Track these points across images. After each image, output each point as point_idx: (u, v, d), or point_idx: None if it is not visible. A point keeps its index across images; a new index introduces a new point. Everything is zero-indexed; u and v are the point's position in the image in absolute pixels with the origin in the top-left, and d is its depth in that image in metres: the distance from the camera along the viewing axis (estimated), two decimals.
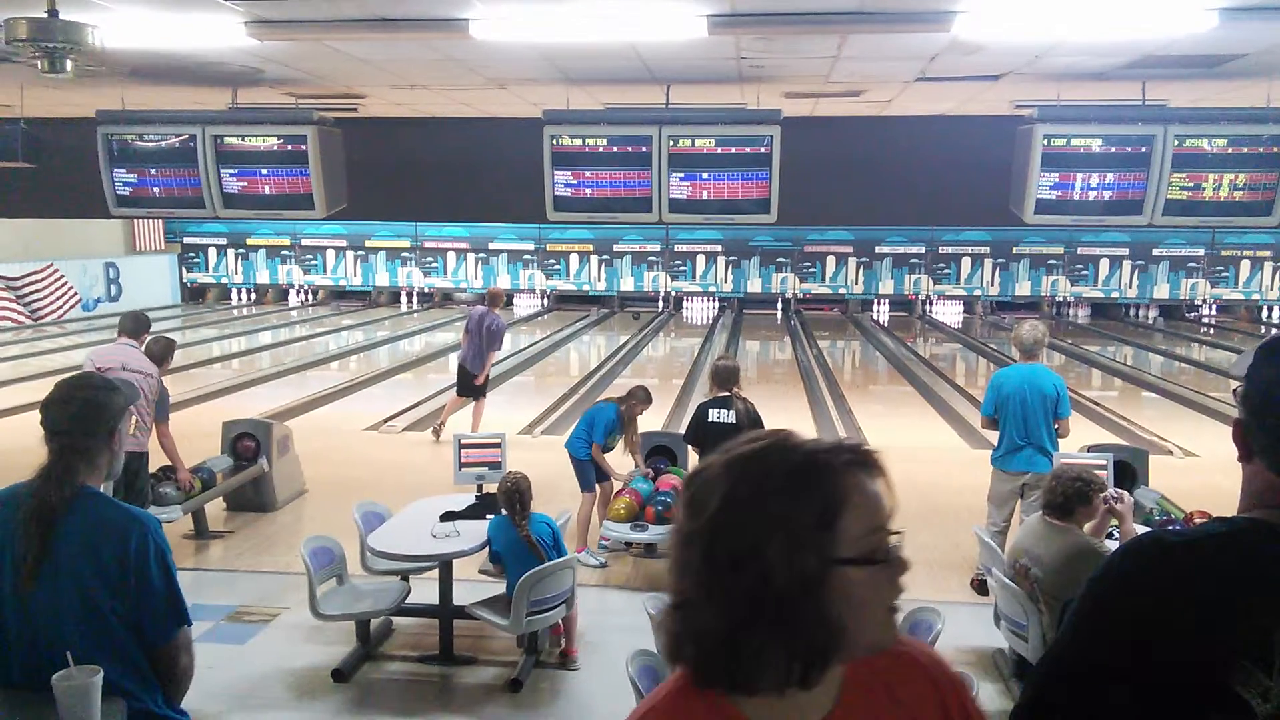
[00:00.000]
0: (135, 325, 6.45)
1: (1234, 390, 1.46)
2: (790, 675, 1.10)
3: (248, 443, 7.38)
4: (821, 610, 1.08)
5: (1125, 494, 4.63)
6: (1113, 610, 1.34)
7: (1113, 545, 4.47)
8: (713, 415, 5.84)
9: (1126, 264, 23.32)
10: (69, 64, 4.23)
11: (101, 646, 2.33)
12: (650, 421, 9.89)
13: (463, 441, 6.11)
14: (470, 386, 9.89)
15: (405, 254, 25.01)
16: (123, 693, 2.35)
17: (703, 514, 1.13)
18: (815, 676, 1.11)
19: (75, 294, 21.35)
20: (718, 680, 1.14)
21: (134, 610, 2.36)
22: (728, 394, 5.92)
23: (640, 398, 6.49)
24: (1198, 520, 5.79)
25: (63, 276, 20.99)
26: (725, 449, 1.19)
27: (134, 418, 2.89)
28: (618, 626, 5.30)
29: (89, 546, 2.34)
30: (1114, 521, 4.58)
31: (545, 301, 24.85)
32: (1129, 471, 6.50)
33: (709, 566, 1.11)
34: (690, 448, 6.38)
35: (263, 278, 25.54)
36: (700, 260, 24.34)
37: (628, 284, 24.51)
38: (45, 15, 4.10)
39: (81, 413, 2.45)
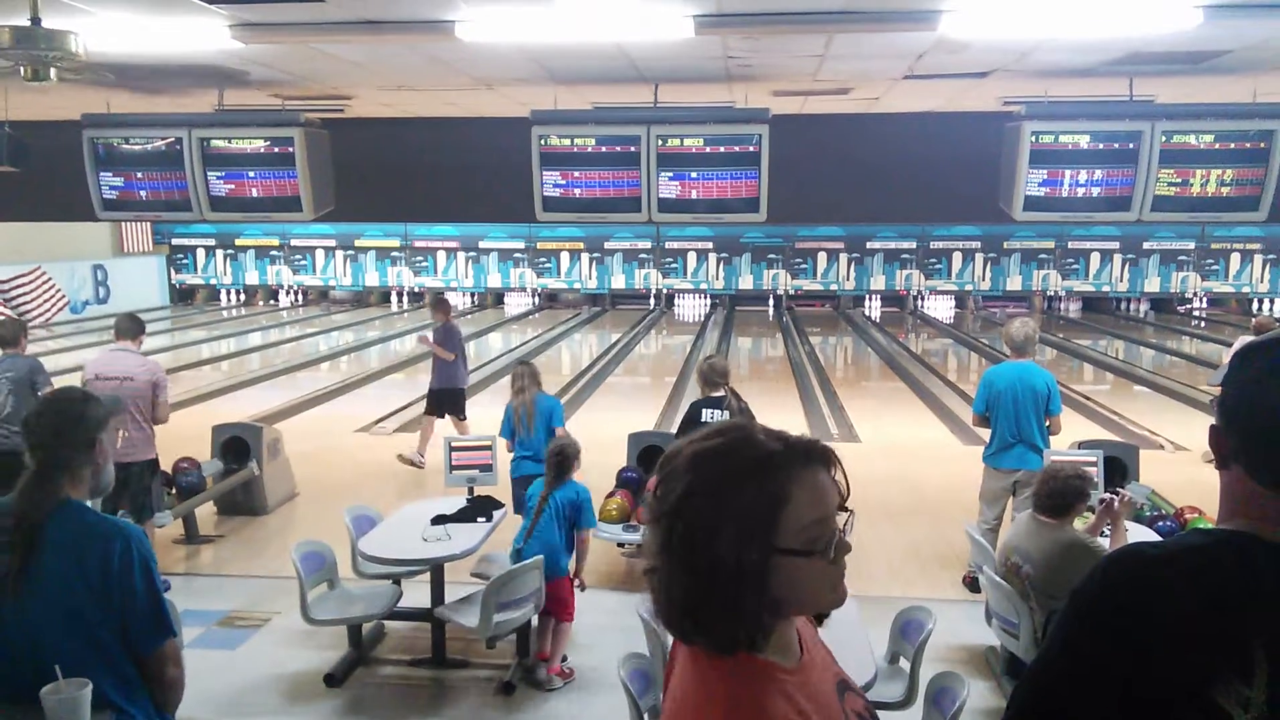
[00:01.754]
0: (132, 326, 6.39)
1: (1211, 401, 1.46)
2: (736, 640, 1.27)
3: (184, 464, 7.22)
4: (764, 591, 1.26)
5: (1124, 494, 4.64)
6: (1095, 625, 1.34)
7: (1105, 542, 4.48)
8: (705, 415, 5.77)
9: (1117, 258, 23.40)
10: (53, 72, 4.19)
11: (89, 658, 2.33)
12: (642, 420, 9.91)
13: (453, 444, 6.09)
14: (451, 403, 9.20)
15: (395, 253, 24.96)
16: (111, 705, 2.35)
17: (668, 499, 1.30)
18: (761, 643, 1.28)
19: (63, 296, 21.25)
20: (684, 635, 1.33)
21: (118, 621, 2.36)
22: (721, 394, 5.88)
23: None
24: (1188, 515, 5.83)
25: (50, 279, 20.88)
26: (695, 439, 1.35)
27: (120, 431, 2.89)
28: (610, 628, 5.30)
29: (74, 558, 2.35)
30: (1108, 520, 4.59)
31: (536, 300, 24.83)
32: (1120, 467, 6.52)
33: (670, 544, 1.29)
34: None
35: (252, 278, 25.46)
36: (691, 257, 24.34)
37: (619, 282, 24.50)
38: (28, 23, 4.07)
39: (58, 425, 2.47)
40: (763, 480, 1.26)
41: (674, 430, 7.60)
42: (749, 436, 1.32)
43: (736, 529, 1.24)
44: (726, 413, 5.74)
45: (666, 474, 1.33)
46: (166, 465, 6.93)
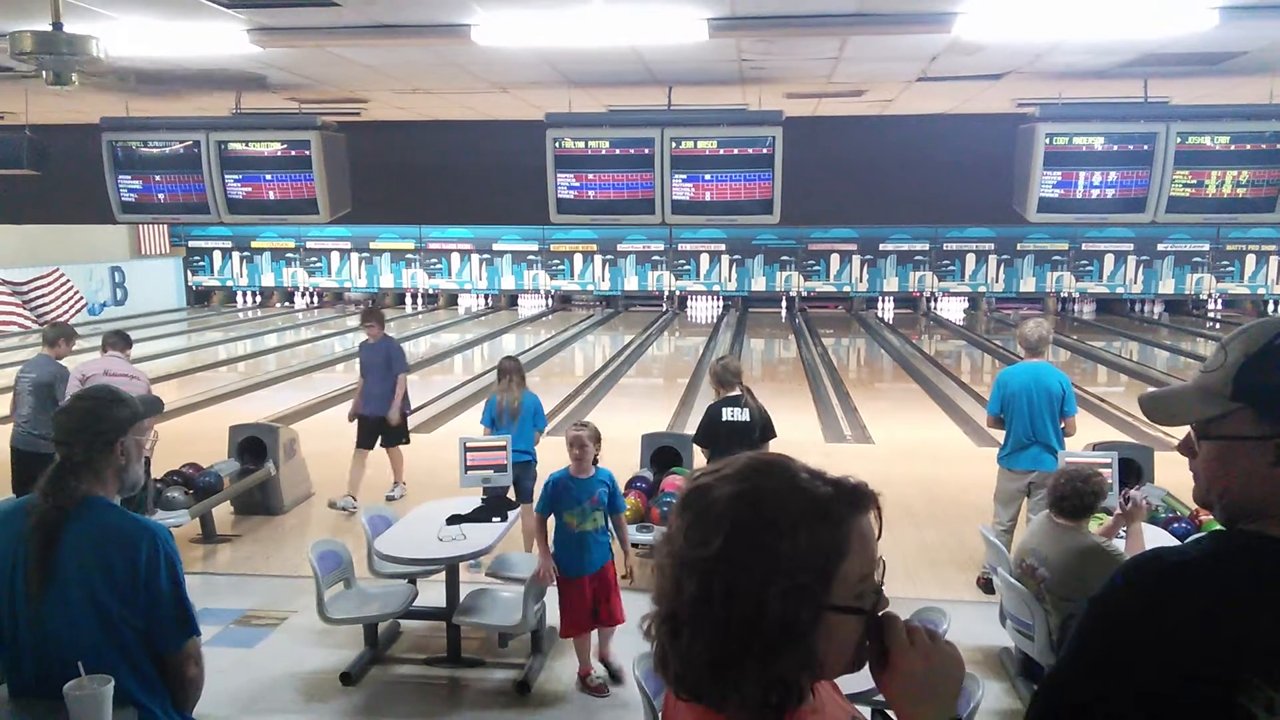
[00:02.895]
0: (121, 340, 6.74)
1: (1203, 436, 1.41)
2: (767, 706, 1.14)
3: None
4: (808, 650, 1.13)
5: (1139, 497, 4.62)
6: (1115, 631, 1.33)
7: (1120, 545, 4.47)
8: (726, 414, 5.75)
9: (1131, 259, 23.26)
10: (74, 76, 4.24)
11: (112, 655, 2.35)
12: (655, 422, 9.92)
13: (468, 444, 6.12)
14: (387, 431, 7.96)
15: (410, 255, 25.05)
16: (133, 702, 2.37)
17: (706, 544, 1.14)
18: (790, 706, 1.15)
19: (81, 298, 21.42)
20: (700, 695, 1.18)
21: (143, 620, 2.38)
22: (738, 393, 5.89)
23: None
24: (1204, 517, 5.80)
25: (68, 281, 21.06)
26: (727, 474, 1.20)
27: (153, 430, 2.92)
28: (624, 629, 5.32)
29: (99, 556, 2.37)
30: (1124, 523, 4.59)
31: (549, 302, 24.88)
32: (1134, 469, 6.50)
33: (704, 596, 1.13)
34: (699, 449, 6.26)
35: (268, 280, 25.59)
36: (704, 259, 24.34)
37: (632, 284, 24.52)
38: (50, 28, 4.11)
39: (82, 424, 2.48)
40: (819, 530, 1.14)
41: (687, 431, 7.61)
42: (795, 477, 1.19)
43: (790, 584, 1.11)
44: (746, 410, 5.74)
45: (699, 513, 1.17)
46: (177, 465, 7.02)
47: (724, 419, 5.75)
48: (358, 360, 8.33)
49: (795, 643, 1.12)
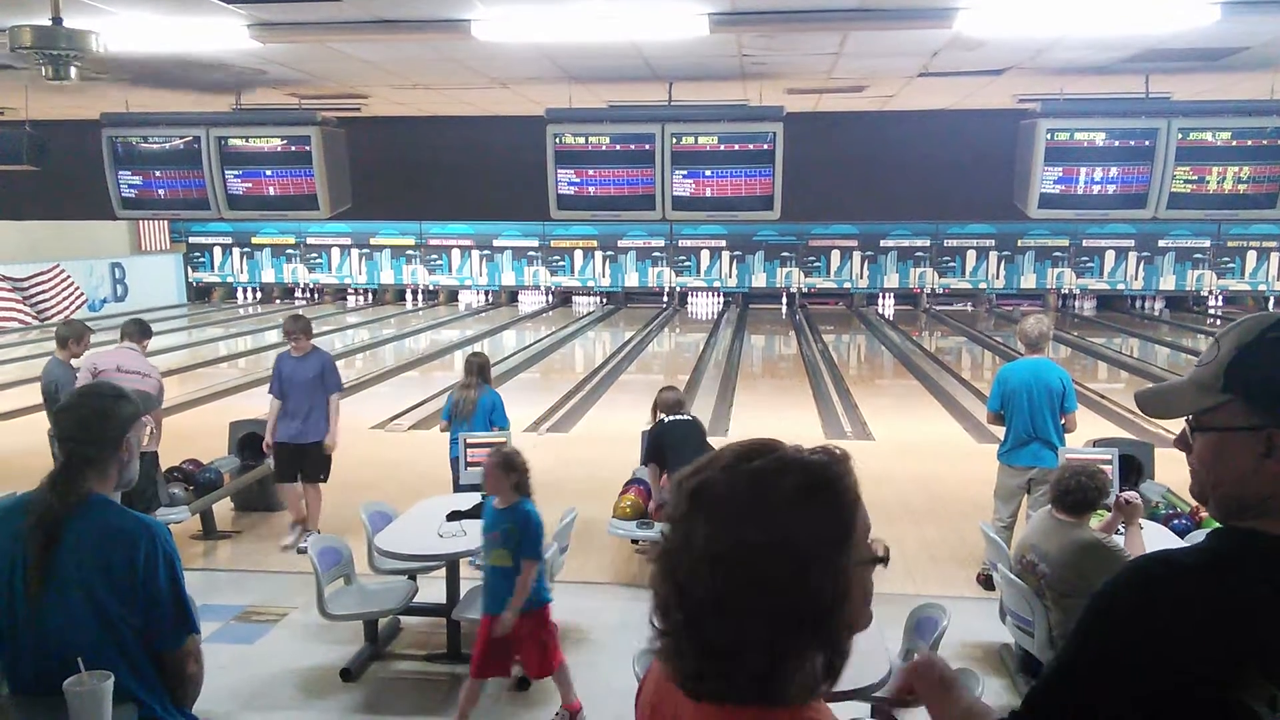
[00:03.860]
0: (138, 330, 6.56)
1: (1196, 428, 1.42)
2: (822, 678, 1.16)
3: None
4: (846, 612, 1.15)
5: (1136, 495, 4.64)
6: (1114, 631, 1.34)
7: (1120, 540, 4.48)
8: (669, 419, 6.12)
9: (1132, 256, 23.26)
10: (73, 71, 4.24)
11: (111, 652, 2.35)
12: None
13: (468, 441, 6.13)
14: (311, 463, 6.77)
15: (410, 251, 25.05)
16: (132, 698, 2.37)
17: (733, 536, 1.13)
18: (838, 675, 1.17)
19: (81, 294, 21.43)
20: (747, 694, 1.15)
21: (142, 618, 2.38)
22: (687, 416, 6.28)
23: None
24: (1204, 514, 5.80)
25: (69, 277, 21.07)
26: (728, 460, 1.18)
27: (149, 427, 2.91)
28: (624, 625, 5.33)
29: (98, 554, 2.36)
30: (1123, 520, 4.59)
31: (549, 298, 24.87)
32: (1135, 465, 6.50)
33: (742, 588, 1.12)
34: (649, 466, 6.16)
35: (268, 277, 25.60)
36: (705, 255, 24.33)
37: (632, 280, 24.52)
38: (50, 23, 4.11)
39: (88, 420, 2.48)
40: (830, 495, 1.16)
41: None
42: (788, 453, 1.19)
43: (824, 552, 1.13)
44: (686, 414, 6.16)
45: (712, 508, 1.15)
46: (178, 461, 7.02)
47: (668, 421, 6.07)
48: (272, 376, 6.85)
49: (842, 607, 1.14)
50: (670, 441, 5.93)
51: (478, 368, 6.78)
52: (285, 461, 6.78)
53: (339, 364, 7.15)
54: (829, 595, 1.12)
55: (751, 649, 1.13)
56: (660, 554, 1.20)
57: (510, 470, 4.24)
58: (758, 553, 1.12)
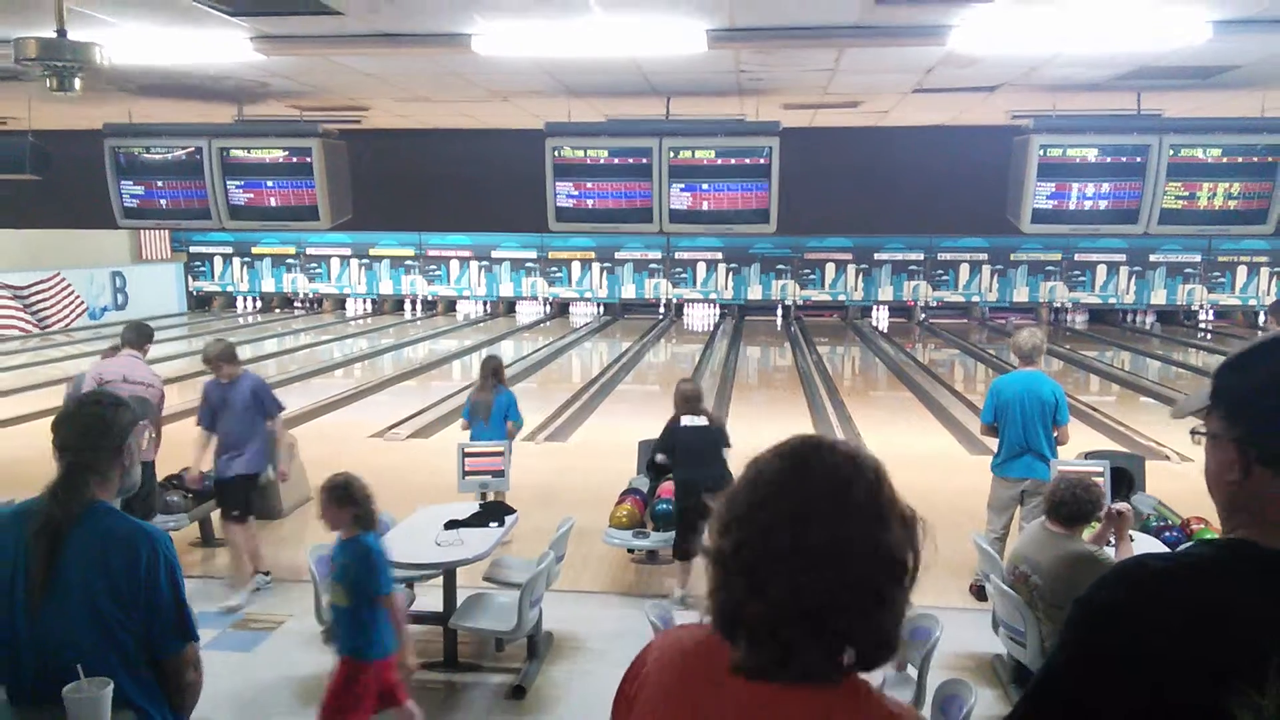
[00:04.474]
0: (138, 337, 6.46)
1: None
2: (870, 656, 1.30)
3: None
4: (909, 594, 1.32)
5: (1127, 506, 4.68)
6: (1098, 638, 1.34)
7: (1111, 553, 4.51)
8: (685, 421, 6.04)
9: (1124, 270, 23.33)
10: (77, 82, 4.28)
11: (111, 659, 2.35)
12: (651, 429, 9.91)
13: (466, 450, 6.18)
14: (243, 496, 6.09)
15: (409, 262, 25.09)
16: (132, 706, 2.38)
17: (829, 522, 1.25)
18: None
19: (82, 303, 21.43)
20: (809, 667, 1.26)
21: (142, 625, 2.39)
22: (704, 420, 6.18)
23: None
24: (1195, 526, 5.85)
25: (69, 285, 21.08)
26: (793, 450, 1.31)
27: (148, 433, 2.94)
28: (619, 633, 5.36)
29: (100, 561, 2.37)
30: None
31: (547, 309, 24.92)
32: (1126, 478, 6.55)
33: (831, 568, 1.24)
34: (659, 457, 6.30)
35: (268, 286, 25.63)
36: (701, 267, 24.39)
37: (629, 291, 24.58)
38: (54, 34, 4.16)
39: (88, 428, 2.49)
40: (882, 471, 1.32)
41: None
42: (835, 443, 1.35)
43: (899, 519, 1.30)
44: (704, 416, 6.04)
45: (795, 508, 1.26)
46: (176, 469, 7.05)
47: (683, 424, 6.01)
48: (200, 406, 6.14)
49: (911, 587, 1.31)
50: (683, 445, 5.93)
51: (492, 370, 6.98)
52: (231, 498, 6.08)
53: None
54: (914, 561, 1.30)
55: (872, 641, 1.28)
56: (730, 555, 1.29)
57: (346, 502, 3.78)
58: (850, 542, 1.25)
